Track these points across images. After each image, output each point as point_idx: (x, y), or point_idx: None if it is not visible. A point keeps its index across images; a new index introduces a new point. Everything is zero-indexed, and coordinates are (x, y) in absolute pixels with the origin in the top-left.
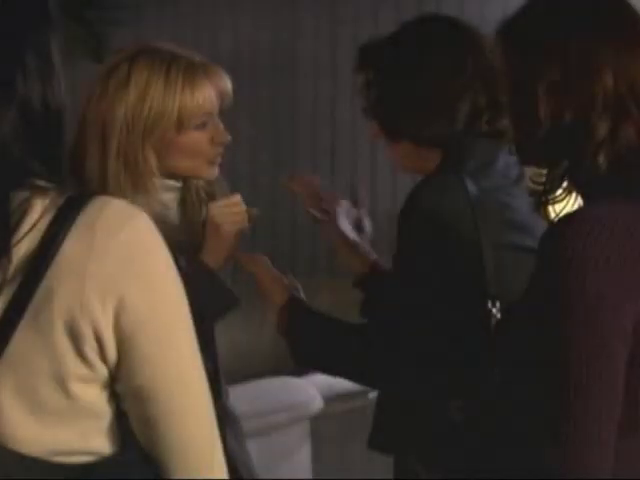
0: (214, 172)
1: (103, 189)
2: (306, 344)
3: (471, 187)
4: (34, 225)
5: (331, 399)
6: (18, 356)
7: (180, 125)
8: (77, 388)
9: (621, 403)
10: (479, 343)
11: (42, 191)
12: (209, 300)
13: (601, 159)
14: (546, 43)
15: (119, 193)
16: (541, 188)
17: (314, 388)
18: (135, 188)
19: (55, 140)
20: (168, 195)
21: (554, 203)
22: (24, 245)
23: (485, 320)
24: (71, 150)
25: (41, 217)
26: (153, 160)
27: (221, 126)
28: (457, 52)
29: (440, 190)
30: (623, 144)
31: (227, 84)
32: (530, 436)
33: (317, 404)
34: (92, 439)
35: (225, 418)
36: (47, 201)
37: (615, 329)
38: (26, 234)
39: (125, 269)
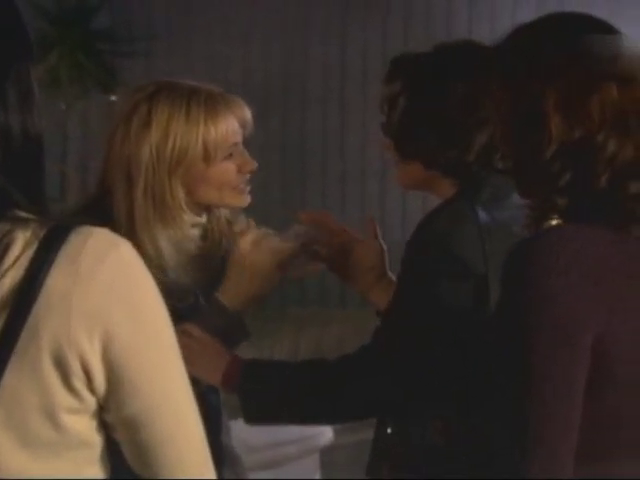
0: (246, 199)
1: (131, 226)
2: (269, 394)
3: (483, 217)
4: (17, 259)
5: (341, 431)
6: (7, 391)
7: (207, 158)
8: (67, 419)
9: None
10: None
11: (23, 222)
12: (219, 335)
13: (604, 178)
14: (550, 60)
15: (148, 230)
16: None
17: None
18: (164, 224)
19: (35, 170)
20: (194, 231)
21: (549, 220)
22: (7, 279)
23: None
24: (96, 189)
25: (24, 250)
26: (181, 195)
27: (247, 155)
28: (484, 84)
29: (450, 220)
30: (623, 163)
31: (247, 113)
32: (503, 451)
33: (327, 436)
34: (84, 469)
35: (223, 455)
36: (29, 233)
37: (577, 340)
38: (9, 268)
39: (110, 300)
